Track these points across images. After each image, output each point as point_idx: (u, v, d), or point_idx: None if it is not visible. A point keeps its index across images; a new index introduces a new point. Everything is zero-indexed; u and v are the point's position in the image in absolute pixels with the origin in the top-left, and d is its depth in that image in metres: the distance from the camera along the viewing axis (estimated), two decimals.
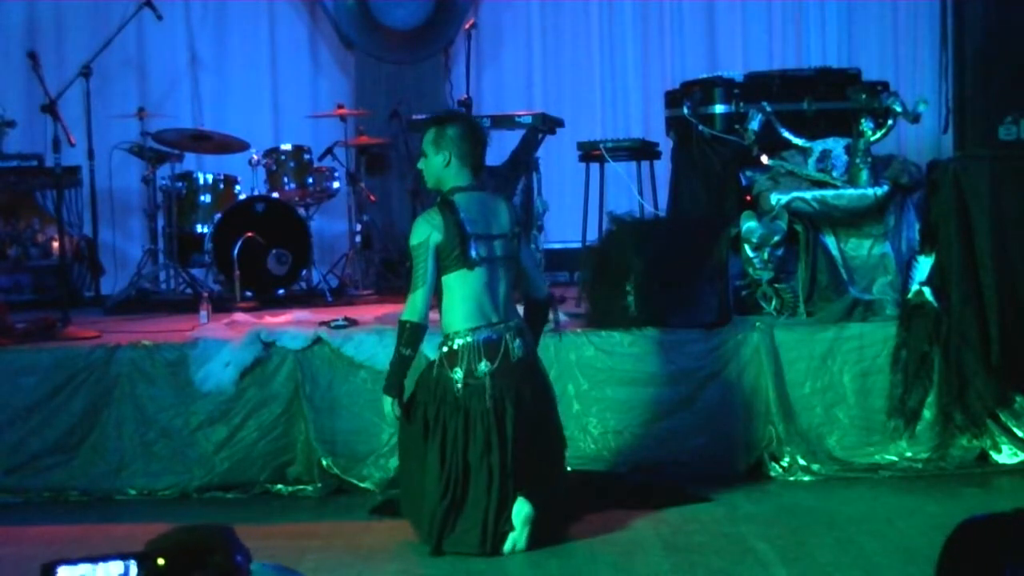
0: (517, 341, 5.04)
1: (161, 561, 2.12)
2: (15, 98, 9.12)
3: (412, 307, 4.98)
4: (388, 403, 5.11)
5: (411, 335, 5.00)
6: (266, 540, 5.16)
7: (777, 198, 6.54)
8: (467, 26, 8.98)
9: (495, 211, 5.11)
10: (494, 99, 9.59)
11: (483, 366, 4.97)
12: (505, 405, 4.96)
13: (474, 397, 4.96)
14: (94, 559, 2.10)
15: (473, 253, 4.96)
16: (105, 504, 5.97)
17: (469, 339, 4.98)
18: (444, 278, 5.01)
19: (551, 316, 5.61)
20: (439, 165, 5.09)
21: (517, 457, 4.92)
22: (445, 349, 5.02)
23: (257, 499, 6.02)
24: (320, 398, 6.10)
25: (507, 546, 4.91)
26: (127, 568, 2.10)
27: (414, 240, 5.00)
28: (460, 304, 5.01)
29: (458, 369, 4.98)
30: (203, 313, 6.93)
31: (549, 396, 5.25)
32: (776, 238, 6.45)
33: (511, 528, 4.91)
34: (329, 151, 8.69)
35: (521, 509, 4.91)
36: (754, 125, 6.82)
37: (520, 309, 5.28)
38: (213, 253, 8.06)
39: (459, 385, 4.97)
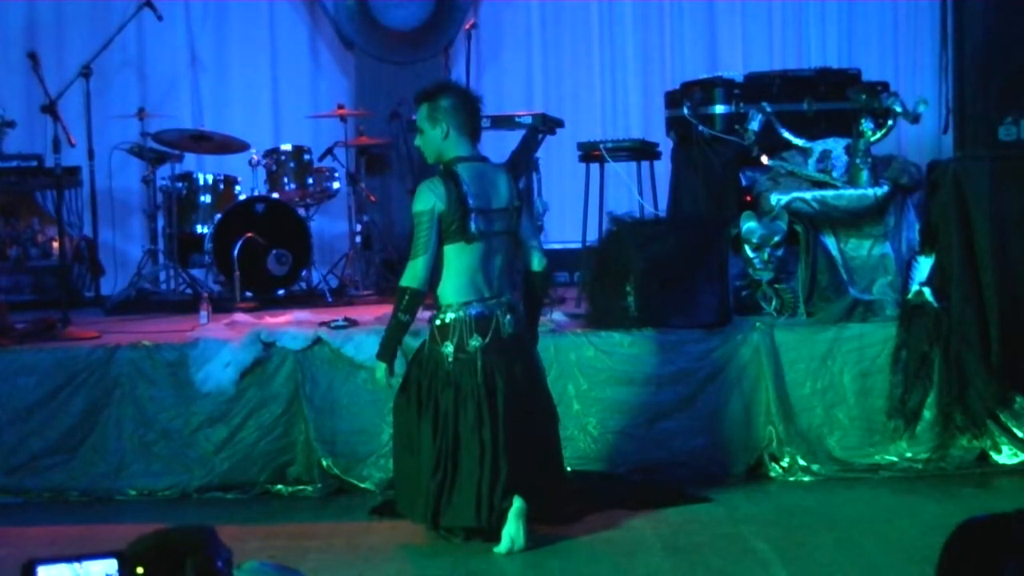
0: (508, 317, 5.04)
1: (140, 570, 2.10)
2: (15, 98, 9.12)
3: (412, 273, 4.96)
4: (381, 369, 5.10)
5: (410, 301, 4.99)
6: (266, 540, 5.18)
7: (777, 198, 6.54)
8: (467, 26, 8.98)
9: (495, 184, 5.08)
10: (494, 99, 9.55)
11: (474, 341, 4.97)
12: (496, 381, 4.95)
13: (465, 372, 4.96)
14: (75, 558, 2.08)
15: (473, 227, 4.95)
16: (105, 504, 5.98)
17: (460, 313, 4.98)
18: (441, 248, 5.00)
19: (548, 313, 5.59)
20: (437, 138, 5.06)
21: (509, 435, 4.91)
22: (437, 322, 5.02)
23: (257, 499, 6.02)
24: (320, 398, 6.10)
25: (505, 544, 4.89)
26: (108, 570, 2.09)
27: (417, 207, 4.96)
28: (454, 277, 5.01)
29: (449, 343, 4.98)
30: (203, 313, 6.93)
31: (539, 371, 5.24)
32: (776, 238, 6.46)
33: (508, 504, 4.89)
34: (329, 151, 8.68)
35: (513, 504, 4.90)
36: (754, 125, 6.82)
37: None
38: (213, 253, 8.06)
39: (450, 359, 4.97)
